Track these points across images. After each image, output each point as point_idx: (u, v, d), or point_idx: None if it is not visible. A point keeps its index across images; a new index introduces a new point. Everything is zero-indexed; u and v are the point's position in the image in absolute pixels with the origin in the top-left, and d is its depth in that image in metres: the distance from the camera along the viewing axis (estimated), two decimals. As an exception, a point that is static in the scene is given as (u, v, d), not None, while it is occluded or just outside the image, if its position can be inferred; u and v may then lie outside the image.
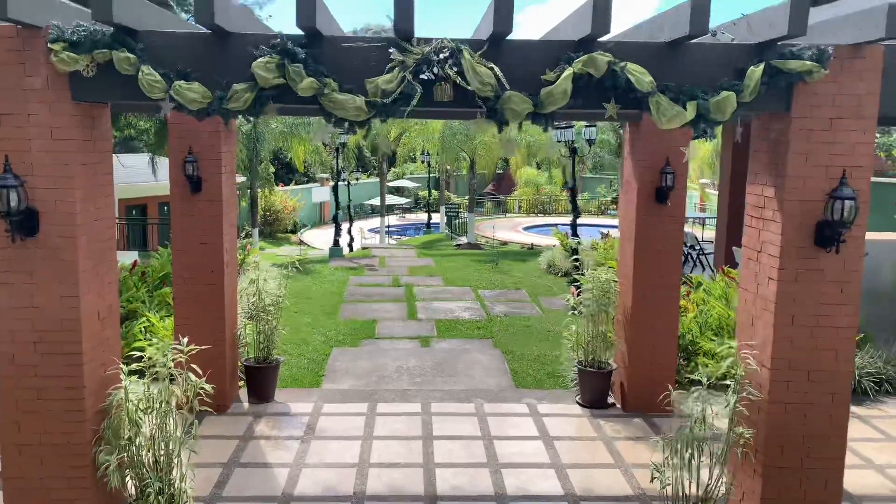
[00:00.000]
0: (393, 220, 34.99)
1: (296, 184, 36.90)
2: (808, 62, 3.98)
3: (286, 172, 37.11)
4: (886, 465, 5.91)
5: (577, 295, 7.46)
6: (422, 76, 3.99)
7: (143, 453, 4.37)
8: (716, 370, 4.59)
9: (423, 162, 32.85)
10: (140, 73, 3.97)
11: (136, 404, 4.31)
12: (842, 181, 4.13)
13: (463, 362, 8.60)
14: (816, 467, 4.54)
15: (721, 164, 12.56)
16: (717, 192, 13.25)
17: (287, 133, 23.04)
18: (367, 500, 5.21)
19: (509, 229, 28.04)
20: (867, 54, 4.12)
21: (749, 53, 4.12)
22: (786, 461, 4.54)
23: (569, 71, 3.97)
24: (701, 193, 28.99)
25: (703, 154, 26.98)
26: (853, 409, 6.85)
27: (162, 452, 4.37)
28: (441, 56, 3.95)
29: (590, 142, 14.98)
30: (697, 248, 14.24)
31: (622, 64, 4.00)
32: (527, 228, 29.22)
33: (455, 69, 3.97)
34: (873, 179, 4.43)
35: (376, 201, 33.09)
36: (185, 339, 4.62)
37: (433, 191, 35.58)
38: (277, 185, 31.63)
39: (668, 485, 4.47)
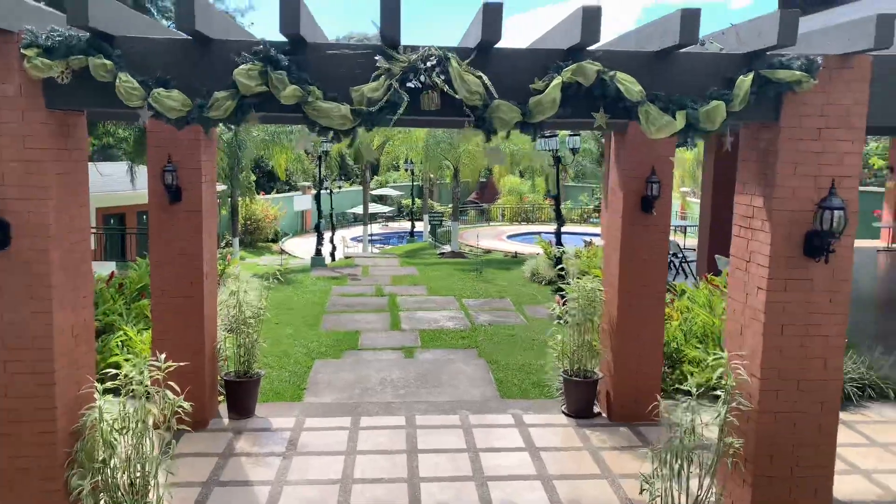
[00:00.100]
0: (376, 228, 34.83)
1: (277, 192, 36.65)
2: (797, 72, 3.97)
3: (267, 181, 36.85)
4: (872, 471, 5.92)
5: (563, 304, 7.41)
6: (408, 84, 3.91)
7: (119, 475, 4.23)
8: (702, 378, 4.56)
9: (406, 170, 32.79)
10: (117, 81, 3.86)
11: (110, 424, 4.17)
12: (831, 191, 4.13)
13: (447, 373, 8.51)
14: (806, 476, 4.54)
15: (703, 172, 12.64)
16: (699, 200, 13.31)
17: (269, 141, 22.88)
18: (352, 518, 5.10)
19: (493, 238, 28.04)
20: (855, 64, 4.13)
21: (738, 63, 4.11)
22: (775, 470, 4.53)
23: (558, 80, 3.93)
24: (682, 202, 29.25)
25: (685, 164, 27.24)
26: (838, 416, 6.87)
27: (138, 474, 4.23)
28: (428, 64, 3.88)
29: (574, 150, 15.01)
30: (680, 255, 14.27)
31: (611, 73, 3.96)
32: (510, 237, 29.24)
33: (442, 77, 3.90)
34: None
35: (359, 210, 32.92)
36: (163, 356, 4.49)
37: (416, 199, 35.50)
38: (258, 193, 31.36)
39: (658, 496, 4.42)
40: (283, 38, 3.94)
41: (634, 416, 6.73)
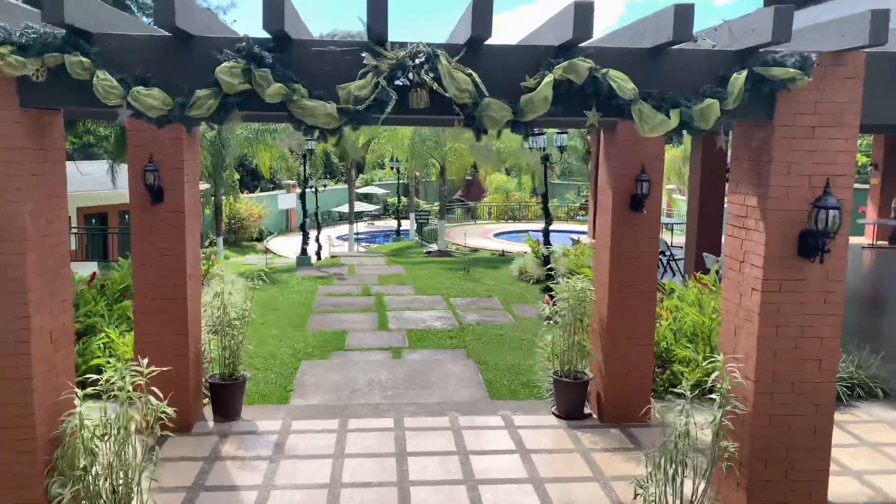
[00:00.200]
0: (362, 227, 34.67)
1: (261, 191, 36.39)
2: (791, 69, 3.92)
3: (251, 179, 36.59)
4: (863, 471, 5.90)
5: (552, 303, 7.34)
6: (396, 82, 3.82)
7: (101, 483, 4.10)
8: (694, 379, 4.50)
9: (392, 168, 32.64)
10: (95, 79, 3.74)
11: (91, 431, 4.05)
12: (826, 190, 4.08)
13: (436, 374, 8.42)
14: (801, 479, 4.50)
15: (691, 170, 12.62)
16: (687, 197, 13.30)
17: (253, 139, 22.66)
18: (341, 524, 5.00)
19: (480, 236, 27.98)
20: (849, 61, 4.08)
21: (731, 60, 4.05)
22: (770, 474, 4.48)
23: (549, 77, 3.85)
24: (668, 199, 29.34)
25: (671, 161, 27.32)
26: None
27: (120, 481, 4.11)
28: (417, 61, 3.79)
29: (561, 148, 14.97)
30: (668, 253, 14.26)
31: (604, 70, 3.89)
32: (497, 235, 29.20)
33: (431, 75, 3.81)
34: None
35: (345, 208, 32.75)
36: (145, 361, 4.36)
37: (402, 197, 35.36)
38: (242, 192, 31.11)
39: (653, 501, 4.37)
40: (266, 35, 3.83)
41: (625, 418, 6.68)
